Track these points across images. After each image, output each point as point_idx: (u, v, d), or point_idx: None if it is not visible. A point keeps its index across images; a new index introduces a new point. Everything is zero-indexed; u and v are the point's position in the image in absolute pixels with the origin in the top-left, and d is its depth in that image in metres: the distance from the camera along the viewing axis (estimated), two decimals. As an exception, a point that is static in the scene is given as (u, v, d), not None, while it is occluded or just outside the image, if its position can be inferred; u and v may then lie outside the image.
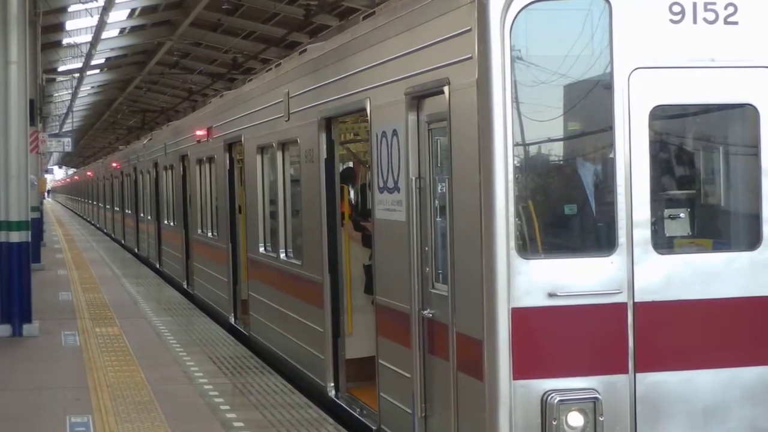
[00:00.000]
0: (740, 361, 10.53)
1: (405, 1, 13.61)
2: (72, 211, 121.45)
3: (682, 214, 10.87)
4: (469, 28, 10.34)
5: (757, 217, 10.61)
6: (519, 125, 10.24)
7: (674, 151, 11.12)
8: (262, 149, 20.54)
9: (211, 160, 26.71)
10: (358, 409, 14.69)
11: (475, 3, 10.17)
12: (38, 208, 40.29)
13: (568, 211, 10.91)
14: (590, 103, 10.60)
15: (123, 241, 54.80)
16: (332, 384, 15.84)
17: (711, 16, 10.51)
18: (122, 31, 56.72)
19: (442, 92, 11.15)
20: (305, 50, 20.52)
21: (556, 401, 10.05)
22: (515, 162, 10.15)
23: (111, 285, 33.77)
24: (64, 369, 19.24)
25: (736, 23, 10.55)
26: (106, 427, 14.69)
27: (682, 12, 10.46)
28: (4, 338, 22.99)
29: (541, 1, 10.19)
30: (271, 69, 25.97)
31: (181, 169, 32.28)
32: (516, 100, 10.17)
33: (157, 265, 39.27)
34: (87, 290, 32.16)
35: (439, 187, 11.72)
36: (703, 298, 10.49)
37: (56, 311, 26.71)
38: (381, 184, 13.24)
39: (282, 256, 19.25)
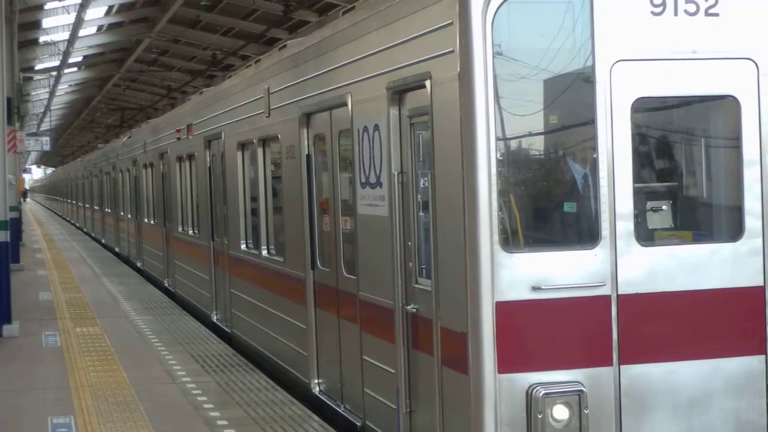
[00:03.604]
0: (723, 352, 10.60)
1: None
2: (51, 210, 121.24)
3: (664, 207, 10.94)
4: (450, 21, 10.38)
5: (738, 209, 10.68)
6: (501, 119, 10.26)
7: (656, 144, 11.18)
8: (242, 145, 20.57)
9: (191, 157, 26.72)
10: (342, 405, 14.73)
11: None
12: (17, 208, 40.24)
13: (551, 205, 10.98)
14: (572, 96, 10.64)
15: (103, 240, 54.79)
16: (316, 380, 15.88)
17: (692, 8, 10.57)
18: (100, 28, 56.72)
19: (424, 86, 11.18)
20: (285, 46, 20.54)
21: (541, 395, 10.08)
22: (498, 156, 10.18)
23: (91, 284, 33.78)
24: (45, 370, 19.26)
25: (717, 15, 10.61)
26: (88, 427, 14.72)
27: (663, 4, 10.51)
28: (-17, 339, 23.01)
29: (524, -4, 10.29)
30: (250, 65, 26.02)
31: (161, 166, 32.30)
32: (498, 93, 10.19)
33: (139, 264, 39.28)
34: (67, 290, 32.17)
35: (422, 182, 11.78)
36: (686, 290, 10.55)
37: (36, 311, 26.74)
38: (363, 180, 13.26)
39: (264, 253, 19.29)
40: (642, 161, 10.75)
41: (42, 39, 55.40)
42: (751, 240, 10.63)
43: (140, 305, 28.11)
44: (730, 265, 10.66)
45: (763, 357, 10.61)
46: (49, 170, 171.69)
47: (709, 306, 10.62)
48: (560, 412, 10.13)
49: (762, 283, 10.63)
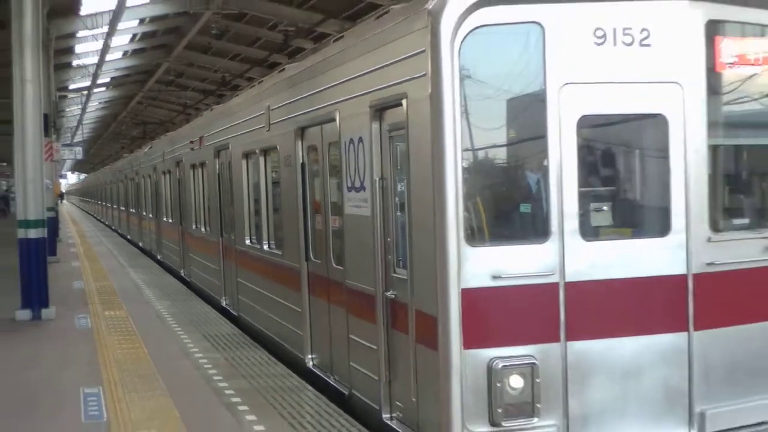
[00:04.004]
0: (654, 330, 10.76)
1: (369, 26, 13.93)
2: (84, 210, 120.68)
3: (605, 207, 11.05)
4: (423, 49, 10.49)
5: (666, 210, 10.84)
6: (467, 133, 10.37)
7: (598, 154, 11.28)
8: (246, 155, 20.61)
9: (203, 164, 26.72)
10: (332, 377, 14.81)
11: (428, 27, 10.33)
12: (54, 209, 40.14)
13: (509, 206, 11.11)
14: (527, 113, 10.75)
15: (128, 236, 54.59)
16: (310, 356, 15.96)
17: (628, 40, 10.71)
18: (125, 53, 56.48)
19: (401, 105, 11.27)
20: (284, 69, 20.58)
21: (499, 366, 10.24)
22: (464, 164, 10.31)
23: (118, 274, 33.65)
24: (78, 347, 19.24)
25: (649, 45, 10.75)
26: (114, 396, 14.76)
27: (604, 36, 10.66)
28: (24, 321, 23.04)
29: (486, 26, 10.34)
30: (254, 86, 26.01)
31: (177, 172, 32.25)
32: (464, 111, 10.32)
33: (159, 257, 39.19)
34: (97, 279, 32.05)
35: (399, 187, 11.86)
36: (622, 278, 10.70)
37: (70, 298, 26.65)
38: (349, 184, 13.36)
39: (265, 247, 19.37)
40: (586, 169, 10.83)
41: (75, 62, 55.14)
42: (676, 236, 10.79)
43: (160, 292, 28.03)
44: (660, 256, 10.81)
45: (686, 334, 10.78)
46: (83, 176, 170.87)
47: (641, 291, 10.76)
48: (516, 381, 10.27)
49: (685, 272, 10.79)
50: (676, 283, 10.84)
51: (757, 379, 11.25)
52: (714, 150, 11.25)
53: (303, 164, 16.05)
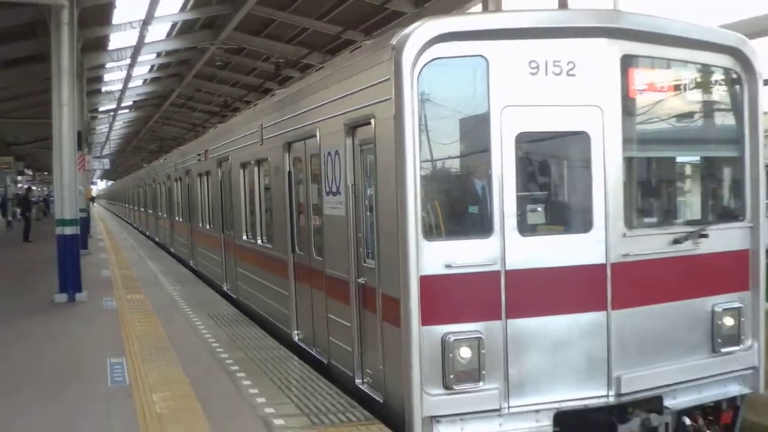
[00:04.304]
0: (578, 309, 10.76)
1: (344, 58, 13.98)
2: (111, 212, 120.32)
3: (538, 209, 11.07)
4: (388, 77, 10.48)
5: (589, 210, 10.83)
6: (425, 147, 10.39)
7: (533, 164, 11.25)
8: (243, 165, 20.56)
9: (208, 173, 26.66)
10: (314, 349, 14.76)
11: (392, 60, 10.34)
12: (86, 210, 40.00)
13: (459, 208, 11.09)
14: (474, 131, 10.71)
15: (147, 233, 54.46)
16: (296, 331, 15.91)
17: (557, 70, 10.73)
18: (144, 81, 56.31)
19: (370, 123, 11.28)
20: (274, 94, 20.63)
21: (451, 340, 10.26)
22: (422, 173, 10.31)
23: (138, 264, 33.56)
24: (105, 324, 19.19)
25: (574, 75, 10.76)
26: (135, 365, 14.73)
27: (538, 67, 10.67)
28: (61, 303, 23.01)
29: (440, 58, 10.37)
30: (250, 108, 25.96)
31: (187, 180, 32.19)
32: (422, 128, 10.32)
33: (171, 250, 39.11)
34: (121, 268, 31.97)
35: (368, 191, 11.83)
36: (553, 266, 10.71)
37: (99, 283, 26.56)
38: (328, 189, 13.32)
39: (259, 241, 19.31)
40: (523, 177, 10.80)
41: (103, 89, 55.00)
42: (597, 232, 10.79)
43: (173, 279, 27.95)
44: (584, 249, 10.80)
45: (605, 312, 10.78)
46: (110, 182, 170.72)
47: (569, 277, 10.76)
48: (465, 352, 10.30)
49: (604, 262, 10.79)
50: (597, 270, 10.84)
51: (661, 349, 11.29)
52: (628, 161, 11.27)
53: (290, 173, 15.99)
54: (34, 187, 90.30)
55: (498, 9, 25.83)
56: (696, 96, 12.36)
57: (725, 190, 12.73)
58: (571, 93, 10.80)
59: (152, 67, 51.71)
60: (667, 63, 11.69)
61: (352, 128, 12.25)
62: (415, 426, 10.25)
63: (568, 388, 10.78)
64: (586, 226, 10.90)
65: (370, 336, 11.90)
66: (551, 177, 11.70)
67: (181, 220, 35.18)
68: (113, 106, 62.29)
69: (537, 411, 10.65)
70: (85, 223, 36.94)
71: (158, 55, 46.87)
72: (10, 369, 15.10)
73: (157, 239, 47.21)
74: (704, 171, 12.86)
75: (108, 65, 45.20)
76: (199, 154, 28.94)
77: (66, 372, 14.78)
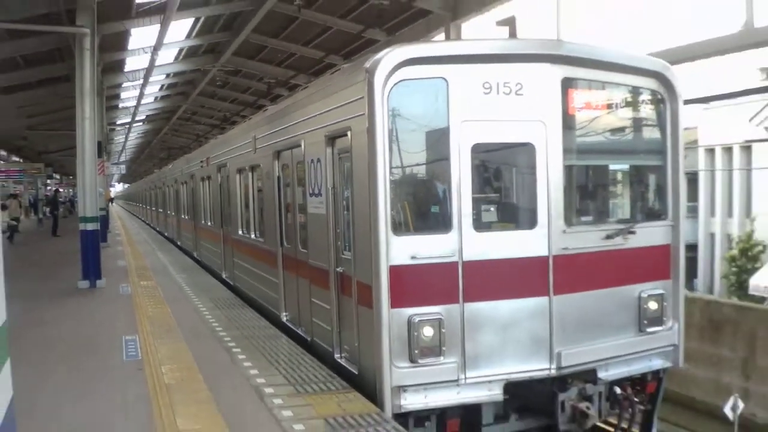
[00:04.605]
0: (524, 294, 10.76)
1: (325, 80, 13.96)
2: (127, 210, 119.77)
3: (491, 209, 11.03)
4: (362, 96, 10.44)
5: (534, 210, 10.85)
6: (395, 155, 10.39)
7: (487, 171, 11.23)
8: (239, 170, 20.50)
9: (209, 177, 26.59)
10: (300, 328, 14.72)
11: (366, 81, 10.30)
12: (105, 209, 39.83)
13: (423, 208, 11.07)
14: (437, 142, 10.67)
15: (158, 229, 54.24)
16: (285, 313, 15.86)
17: (507, 90, 10.73)
18: (156, 98, 56.12)
19: (347, 135, 11.24)
20: (266, 109, 20.60)
21: (416, 320, 10.24)
22: (391, 178, 10.28)
23: (150, 256, 33.39)
24: (121, 307, 19.07)
25: (522, 95, 10.76)
26: (147, 341, 14.64)
27: (491, 87, 10.67)
28: (84, 289, 22.90)
29: (407, 79, 10.37)
30: (245, 122, 25.89)
31: (191, 183, 32.11)
32: (391, 140, 10.31)
33: (178, 243, 39.00)
34: (135, 259, 31.82)
35: (345, 193, 11.79)
36: (503, 258, 10.70)
37: (116, 272, 26.45)
38: (311, 191, 13.26)
39: (252, 236, 19.25)
40: (478, 181, 10.78)
41: (120, 105, 54.86)
42: (541, 228, 10.80)
43: (180, 268, 27.83)
44: (529, 243, 10.80)
45: (547, 297, 10.78)
46: (126, 185, 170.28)
47: (517, 267, 10.75)
48: (428, 331, 10.29)
49: (547, 254, 10.80)
50: (540, 262, 10.84)
51: (596, 329, 11.33)
52: (568, 169, 11.24)
53: (279, 177, 15.93)
54: (61, 189, 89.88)
55: (458, 37, 25.83)
56: (626, 113, 12.41)
57: (651, 193, 12.77)
58: (519, 110, 10.80)
59: (162, 86, 51.60)
60: (602, 85, 11.69)
61: (331, 139, 12.20)
62: (385, 394, 10.23)
63: (516, 362, 10.78)
64: (532, 223, 10.91)
65: (347, 317, 11.84)
66: (502, 182, 11.69)
67: (186, 217, 35.07)
68: (128, 119, 62.08)
69: (489, 381, 10.64)
70: (104, 220, 36.78)
71: (167, 75, 46.79)
72: (40, 342, 15.03)
73: (166, 234, 47.02)
74: (633, 177, 12.91)
75: (124, 84, 45.12)
76: (201, 161, 28.86)
77: (87, 347, 14.71)
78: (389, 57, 10.35)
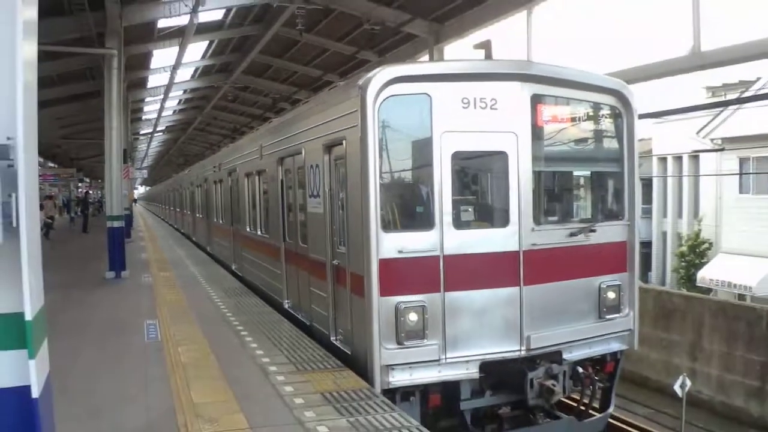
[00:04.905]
0: (498, 285, 10.77)
1: (323, 95, 14.01)
2: (148, 210, 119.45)
3: (469, 209, 11.03)
4: (356, 109, 10.44)
5: (507, 211, 10.87)
6: (384, 162, 10.40)
7: (465, 176, 11.25)
8: (247, 175, 20.47)
9: (221, 181, 26.56)
10: (300, 314, 14.71)
11: (359, 96, 10.31)
12: (129, 208, 39.67)
13: (409, 208, 11.05)
14: (421, 150, 10.68)
15: (175, 226, 54.13)
16: (287, 300, 15.86)
17: (483, 105, 10.75)
18: (174, 111, 56.02)
19: (342, 144, 11.23)
20: (271, 121, 20.60)
21: (402, 307, 10.27)
22: (381, 182, 10.29)
23: (169, 250, 33.32)
24: (143, 295, 19.04)
25: (496, 109, 10.79)
26: (165, 325, 14.61)
27: (468, 102, 10.70)
28: (110, 279, 22.85)
29: (395, 95, 10.39)
30: (253, 132, 25.86)
31: (205, 186, 32.08)
32: (382, 148, 10.31)
33: (193, 238, 38.95)
34: (155, 253, 31.76)
35: (341, 195, 11.78)
36: (480, 252, 10.71)
37: (139, 264, 26.38)
38: (310, 193, 13.26)
39: (259, 232, 19.23)
40: (458, 185, 10.80)
41: (143, 117, 54.78)
42: (513, 227, 10.82)
43: (194, 261, 27.78)
44: (503, 239, 10.81)
45: (518, 287, 10.79)
46: (147, 188, 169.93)
47: (491, 261, 10.76)
48: (413, 317, 10.32)
49: (518, 249, 10.81)
50: (512, 256, 10.84)
51: (561, 315, 11.35)
52: (537, 174, 11.25)
53: (282, 181, 15.93)
54: (90, 191, 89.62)
55: (440, 58, 25.84)
56: (588, 126, 12.44)
57: (609, 196, 12.77)
58: (493, 122, 10.81)
59: (180, 100, 51.53)
60: (567, 101, 11.73)
61: (329, 147, 12.18)
62: (375, 372, 10.24)
63: (490, 344, 10.80)
64: (505, 222, 10.92)
65: (342, 304, 11.83)
66: (479, 185, 11.75)
67: (200, 216, 35.01)
68: (150, 130, 62.02)
69: (467, 361, 10.65)
70: (128, 218, 36.67)
71: (184, 91, 46.72)
72: (71, 326, 14.96)
73: (182, 231, 46.91)
74: (594, 182, 12.91)
75: (146, 99, 45.07)
76: (214, 167, 28.82)
77: (113, 329, 14.69)
78: (380, 75, 10.36)
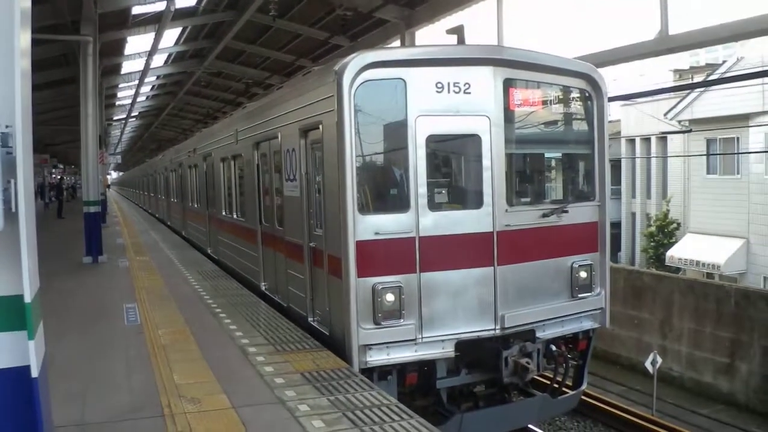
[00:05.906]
0: (472, 265, 10.88)
1: (299, 80, 13.95)
2: (122, 195, 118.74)
3: (443, 191, 11.10)
4: (332, 94, 10.49)
5: (481, 192, 10.97)
6: (359, 145, 10.41)
7: (439, 158, 11.31)
8: (222, 159, 20.45)
9: (196, 166, 26.49)
10: (277, 296, 14.77)
11: (335, 81, 10.35)
12: (104, 194, 39.42)
13: (385, 190, 11.10)
14: (396, 134, 10.73)
15: (149, 210, 53.88)
16: (263, 283, 15.90)
17: (457, 89, 10.82)
18: (147, 97, 55.58)
19: (318, 128, 11.28)
20: (245, 106, 20.57)
21: (379, 288, 10.34)
22: (357, 165, 10.35)
23: (144, 234, 33.19)
24: (120, 279, 19.01)
25: (470, 93, 10.86)
26: (144, 308, 14.63)
27: (443, 86, 10.77)
28: (88, 264, 22.77)
29: (370, 80, 10.44)
30: (227, 117, 25.80)
31: (180, 171, 31.98)
32: (357, 132, 10.36)
33: (168, 223, 38.81)
34: (131, 237, 31.63)
35: (317, 178, 11.85)
36: (454, 234, 10.80)
37: (115, 249, 26.26)
38: (287, 177, 13.29)
39: (235, 216, 19.25)
40: (432, 167, 10.86)
41: (117, 103, 54.35)
42: (487, 208, 10.93)
43: (170, 245, 27.68)
44: (476, 221, 10.91)
45: (492, 267, 10.91)
46: (121, 173, 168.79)
47: (466, 242, 10.85)
48: (389, 297, 10.40)
49: (492, 230, 10.93)
50: (486, 237, 10.95)
51: (534, 295, 11.49)
52: (509, 156, 11.37)
53: (257, 165, 15.93)
54: (65, 177, 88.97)
55: (412, 44, 25.88)
56: (559, 109, 12.56)
57: (580, 178, 12.90)
58: (466, 106, 10.89)
59: (153, 86, 51.14)
60: (538, 84, 11.82)
61: (305, 132, 12.22)
62: (353, 352, 10.32)
63: (465, 323, 10.91)
64: (478, 204, 11.01)
65: (319, 286, 11.90)
66: (452, 168, 11.80)
67: (175, 200, 34.89)
68: (124, 115, 61.51)
69: (443, 340, 10.75)
70: (103, 203, 36.50)
71: (158, 77, 46.40)
72: (51, 311, 14.84)
73: (157, 215, 46.71)
74: (565, 164, 13.04)
75: (121, 85, 44.77)
76: (189, 152, 28.71)
77: (93, 314, 14.66)
78: (355, 61, 10.40)
